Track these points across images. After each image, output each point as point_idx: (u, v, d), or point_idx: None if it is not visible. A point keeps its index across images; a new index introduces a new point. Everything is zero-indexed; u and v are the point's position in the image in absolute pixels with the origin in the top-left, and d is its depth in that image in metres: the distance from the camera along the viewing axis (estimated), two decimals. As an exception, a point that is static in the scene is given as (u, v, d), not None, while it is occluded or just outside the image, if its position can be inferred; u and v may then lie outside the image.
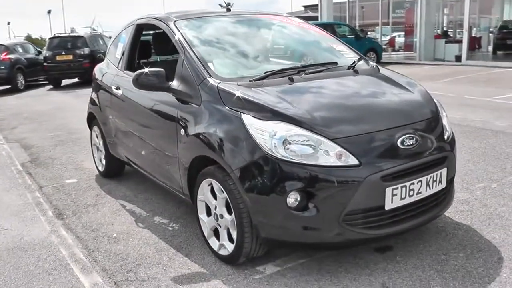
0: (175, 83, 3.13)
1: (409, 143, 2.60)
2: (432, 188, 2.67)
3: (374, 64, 3.51)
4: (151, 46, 4.35)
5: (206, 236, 3.00)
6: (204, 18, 3.72)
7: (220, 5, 4.07)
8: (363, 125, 2.62)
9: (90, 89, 4.96)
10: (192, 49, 3.17)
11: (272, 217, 2.53)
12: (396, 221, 2.59)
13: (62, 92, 13.56)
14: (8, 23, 76.89)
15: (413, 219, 2.66)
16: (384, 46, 21.33)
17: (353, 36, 17.00)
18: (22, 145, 6.57)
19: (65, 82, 15.75)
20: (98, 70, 4.78)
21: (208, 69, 3.02)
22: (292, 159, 2.45)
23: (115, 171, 4.74)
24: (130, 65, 4.14)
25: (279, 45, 3.99)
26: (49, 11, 58.94)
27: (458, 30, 20.15)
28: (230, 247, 2.77)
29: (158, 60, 4.68)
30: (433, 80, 11.42)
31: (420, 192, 2.61)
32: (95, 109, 4.70)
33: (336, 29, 17.24)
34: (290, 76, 2.97)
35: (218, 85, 2.86)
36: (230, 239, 2.78)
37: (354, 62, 3.35)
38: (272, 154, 2.47)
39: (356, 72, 3.22)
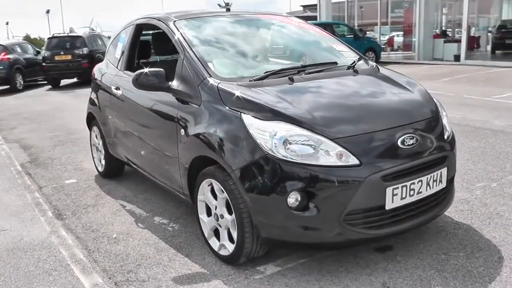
0: (175, 83, 3.13)
1: (409, 143, 2.60)
2: (433, 187, 2.68)
3: (374, 64, 3.51)
4: (151, 46, 4.36)
5: (206, 236, 3.00)
6: (204, 18, 3.72)
7: (219, 5, 4.06)
8: (363, 125, 2.62)
9: (89, 89, 4.96)
10: (192, 49, 3.17)
11: (272, 217, 2.53)
12: (397, 220, 2.60)
13: (61, 92, 13.55)
14: (7, 23, 76.62)
15: (414, 219, 2.66)
16: (383, 46, 21.35)
17: (352, 36, 17.01)
18: (21, 146, 6.56)
19: (64, 82, 15.74)
20: (98, 70, 4.78)
21: (208, 69, 3.01)
22: (292, 159, 2.45)
23: (114, 171, 4.74)
24: (130, 65, 4.13)
25: (279, 45, 3.99)
26: (47, 11, 58.90)
27: (456, 30, 20.18)
28: (230, 247, 2.77)
29: (158, 60, 4.67)
30: (432, 80, 11.43)
31: (421, 192, 2.61)
32: (94, 109, 4.70)
33: (335, 29, 17.25)
34: (290, 76, 2.97)
35: (218, 85, 2.86)
36: (231, 239, 2.78)
37: (354, 62, 3.35)
38: (273, 154, 2.47)
39: (356, 72, 3.22)
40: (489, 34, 19.19)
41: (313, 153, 2.46)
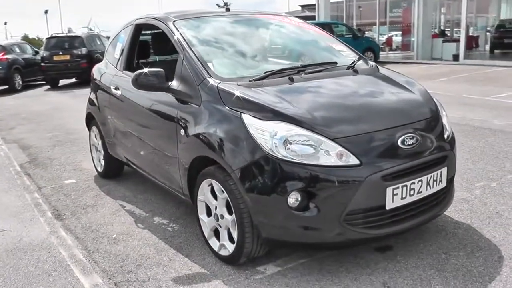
0: (174, 83, 3.12)
1: (409, 143, 2.60)
2: (433, 187, 2.68)
3: (374, 63, 3.51)
4: (150, 46, 4.35)
5: (206, 236, 3.00)
6: (203, 18, 3.71)
7: (218, 5, 4.06)
8: (363, 124, 2.62)
9: (88, 89, 4.95)
10: (191, 49, 3.17)
11: (273, 217, 2.53)
12: (397, 220, 2.60)
13: (59, 92, 13.53)
14: (5, 23, 76.52)
15: (414, 219, 2.66)
16: (381, 46, 21.36)
17: (350, 36, 17.01)
18: (20, 146, 6.55)
19: (62, 82, 15.72)
20: (97, 70, 4.77)
21: (207, 69, 3.01)
22: (292, 159, 2.45)
23: (114, 171, 4.73)
24: (129, 65, 4.13)
25: (279, 45, 3.98)
26: (46, 11, 58.80)
27: (455, 29, 20.19)
28: (230, 248, 2.77)
29: (157, 60, 4.67)
30: (431, 79, 11.44)
31: (421, 192, 2.62)
32: (93, 110, 4.69)
33: (334, 29, 17.26)
34: (290, 76, 2.97)
35: (218, 85, 2.86)
36: (231, 239, 2.78)
37: (354, 61, 3.35)
38: (273, 154, 2.47)
39: (355, 72, 3.22)
40: (487, 33, 19.22)
41: (314, 153, 2.46)
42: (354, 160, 2.46)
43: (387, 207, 2.51)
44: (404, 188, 2.54)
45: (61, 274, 2.87)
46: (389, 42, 24.09)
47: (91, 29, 35.75)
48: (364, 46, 16.73)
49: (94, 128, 4.82)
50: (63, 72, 14.82)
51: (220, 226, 2.85)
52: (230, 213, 2.71)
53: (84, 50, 14.80)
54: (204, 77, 2.96)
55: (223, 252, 2.85)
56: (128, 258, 3.04)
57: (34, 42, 39.32)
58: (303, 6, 43.81)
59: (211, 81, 2.91)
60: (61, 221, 3.73)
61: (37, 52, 16.24)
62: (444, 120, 2.98)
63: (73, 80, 16.00)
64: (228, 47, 3.45)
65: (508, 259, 2.73)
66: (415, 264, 2.73)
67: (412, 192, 2.57)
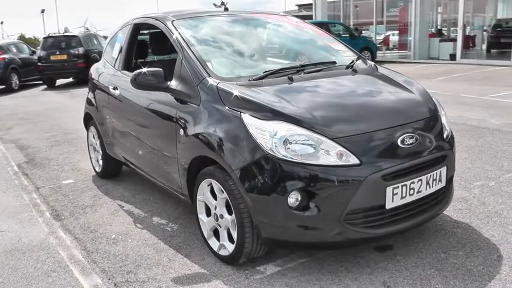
0: (173, 83, 3.12)
1: (409, 142, 2.61)
2: (432, 186, 2.68)
3: (372, 63, 3.51)
4: (148, 46, 4.34)
5: (206, 236, 2.99)
6: (202, 17, 3.71)
7: (215, 4, 4.06)
8: (363, 124, 2.62)
9: (85, 89, 4.94)
10: (190, 49, 3.16)
11: (273, 217, 2.53)
12: (397, 220, 2.60)
13: (56, 92, 13.49)
14: (1, 23, 76.18)
15: (414, 218, 2.66)
16: (378, 45, 21.36)
17: (347, 35, 17.01)
18: (18, 146, 6.52)
19: (59, 82, 15.67)
20: (95, 70, 4.76)
21: (207, 68, 3.01)
22: (292, 158, 2.45)
23: (112, 171, 4.72)
24: (127, 65, 4.12)
25: (278, 44, 3.98)
26: (42, 11, 58.64)
27: (452, 29, 20.22)
28: (230, 248, 2.77)
29: (155, 59, 4.66)
30: (428, 79, 11.46)
31: (420, 191, 2.62)
32: (91, 109, 4.68)
33: (331, 28, 17.24)
34: (289, 76, 2.97)
35: (218, 85, 2.85)
36: (230, 239, 2.77)
37: (353, 61, 3.35)
38: (273, 154, 2.46)
39: (354, 71, 3.22)
40: (484, 33, 19.24)
41: (313, 152, 2.46)
42: (354, 160, 2.46)
43: (387, 207, 2.51)
44: (404, 188, 2.54)
45: (60, 274, 2.86)
46: (386, 41, 24.09)
47: (87, 29, 35.69)
48: (361, 46, 16.72)
49: (92, 128, 4.80)
50: (60, 72, 14.78)
51: (220, 226, 2.84)
52: (229, 213, 2.71)
53: (81, 50, 14.76)
54: (203, 77, 2.95)
55: (222, 252, 2.85)
56: (128, 258, 3.03)
57: (30, 42, 39.21)
58: (300, 6, 43.80)
59: (211, 80, 2.91)
60: (59, 221, 3.72)
61: (34, 52, 16.18)
62: (443, 120, 2.99)
63: (70, 80, 15.95)
64: (227, 46, 3.45)
65: (507, 258, 2.74)
66: (414, 263, 2.73)
67: (412, 191, 2.58)
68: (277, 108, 2.61)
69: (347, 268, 2.71)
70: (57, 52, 14.65)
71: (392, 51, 22.86)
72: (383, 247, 2.92)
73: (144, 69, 3.09)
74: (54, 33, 17.03)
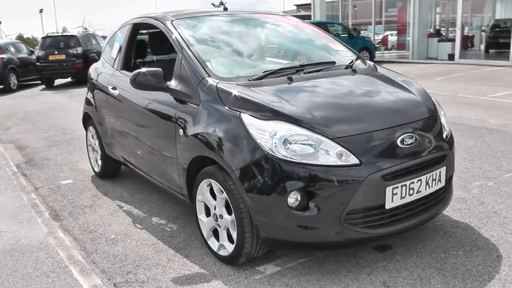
0: (173, 83, 3.11)
1: (408, 142, 2.61)
2: (432, 186, 2.68)
3: (372, 63, 3.52)
4: (147, 46, 4.33)
5: (205, 236, 2.99)
6: (201, 17, 3.70)
7: (213, 4, 4.06)
8: (362, 124, 2.62)
9: (84, 89, 4.94)
10: (190, 49, 3.16)
11: (272, 217, 2.53)
12: (396, 220, 2.60)
13: (55, 92, 13.46)
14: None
15: (413, 218, 2.67)
16: (377, 45, 21.39)
17: (346, 35, 17.03)
18: (16, 146, 6.51)
19: (58, 82, 15.65)
20: (94, 70, 4.75)
21: (206, 68, 3.00)
22: (292, 158, 2.45)
23: (111, 171, 4.71)
24: (126, 65, 4.11)
25: (277, 44, 3.98)
26: (41, 10, 58.49)
27: (450, 29, 20.24)
28: (230, 248, 2.77)
29: (155, 59, 4.65)
30: (427, 79, 11.47)
31: (420, 191, 2.62)
32: (90, 109, 4.67)
33: (329, 28, 17.25)
34: (289, 76, 2.97)
35: (217, 85, 2.85)
36: (230, 239, 2.77)
37: (352, 61, 3.36)
38: (273, 154, 2.46)
39: (354, 71, 3.22)
40: (482, 33, 19.28)
41: (313, 152, 2.46)
42: (354, 160, 2.46)
43: (387, 207, 2.51)
44: (404, 188, 2.54)
45: (59, 275, 2.85)
46: (384, 41, 24.12)
47: (86, 29, 35.65)
48: (360, 46, 16.73)
49: (91, 128, 4.80)
50: (59, 71, 14.75)
51: (220, 226, 2.84)
52: (229, 213, 2.71)
53: (79, 50, 14.74)
54: (203, 77, 2.95)
55: (222, 252, 2.85)
56: (127, 258, 3.02)
57: (29, 42, 39.14)
58: (298, 6, 43.83)
59: (210, 80, 2.90)
60: (58, 221, 3.71)
61: (32, 52, 16.16)
62: (443, 120, 2.99)
63: (69, 79, 15.93)
64: (227, 46, 3.45)
65: (506, 257, 2.74)
66: (414, 263, 2.73)
67: (411, 191, 2.58)
68: (276, 108, 2.61)
69: (347, 268, 2.71)
70: (56, 52, 14.63)
71: (391, 51, 22.89)
72: (382, 247, 2.92)
73: (144, 69, 3.08)
74: (53, 33, 17.04)
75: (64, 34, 17.22)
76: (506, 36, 15.32)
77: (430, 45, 17.93)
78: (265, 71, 2.99)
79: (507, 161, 4.52)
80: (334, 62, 3.34)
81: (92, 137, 4.78)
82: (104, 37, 15.44)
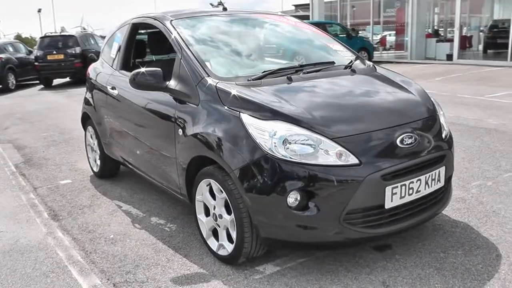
0: (172, 83, 3.11)
1: (408, 142, 2.61)
2: (431, 186, 2.69)
3: (371, 63, 3.52)
4: (146, 46, 4.33)
5: (204, 236, 2.99)
6: (201, 17, 3.70)
7: (212, 4, 4.05)
8: (362, 124, 2.62)
9: (82, 89, 4.93)
10: (189, 49, 3.16)
11: (272, 217, 2.53)
12: (396, 219, 2.60)
13: (53, 92, 13.44)
14: (-3, 22, 75.89)
15: (413, 218, 2.67)
16: (375, 45, 21.41)
17: (344, 35, 17.04)
18: (15, 146, 6.50)
19: (56, 81, 15.63)
20: (93, 70, 4.74)
21: (206, 68, 3.00)
22: (292, 158, 2.45)
23: (110, 171, 4.71)
24: (126, 65, 4.11)
25: (276, 44, 3.98)
26: (39, 10, 58.32)
27: (448, 29, 20.28)
28: (229, 247, 2.77)
29: (154, 59, 4.65)
30: (425, 79, 11.49)
31: (419, 191, 2.62)
32: (89, 109, 4.66)
33: (328, 29, 17.26)
34: (288, 76, 2.97)
35: (217, 85, 2.85)
36: (229, 239, 2.77)
37: (351, 61, 3.36)
38: (272, 153, 2.46)
39: (353, 72, 3.23)
40: (481, 33, 19.31)
41: (313, 152, 2.46)
42: (353, 160, 2.46)
43: (386, 206, 2.51)
44: (403, 187, 2.54)
45: (59, 275, 2.85)
46: (383, 41, 24.14)
47: (84, 28, 35.60)
48: (358, 46, 16.75)
49: (90, 128, 4.79)
50: (57, 71, 14.72)
51: (219, 226, 2.84)
52: (229, 213, 2.70)
53: (78, 50, 14.72)
54: (202, 77, 2.95)
55: (222, 252, 2.85)
56: (126, 258, 3.02)
57: (27, 41, 39.05)
58: (296, 6, 43.85)
59: (210, 80, 2.90)
60: (57, 221, 3.71)
61: (30, 52, 16.14)
62: (442, 120, 2.99)
63: (67, 79, 15.91)
64: (226, 46, 3.45)
65: (505, 257, 2.75)
66: (414, 263, 2.73)
67: (411, 191, 2.58)
68: (276, 108, 2.61)
69: (347, 268, 2.71)
70: (54, 52, 14.60)
71: (389, 52, 22.90)
72: (382, 246, 2.93)
73: (143, 69, 3.08)
74: (51, 33, 16.98)
75: (62, 34, 17.18)
76: (504, 36, 15.36)
77: (429, 45, 17.96)
78: (265, 71, 2.99)
79: (506, 160, 4.52)
80: (333, 62, 3.34)
81: (91, 137, 4.78)
82: (103, 37, 15.47)
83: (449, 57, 16.13)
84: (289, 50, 3.94)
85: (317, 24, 15.26)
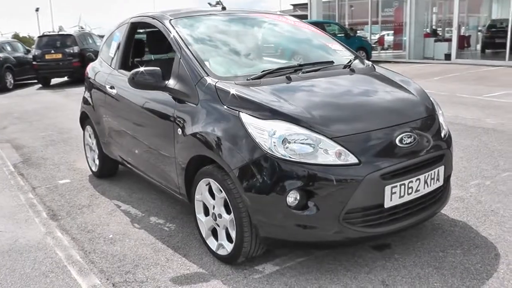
0: (171, 82, 3.11)
1: (407, 142, 2.61)
2: (430, 186, 2.69)
3: (370, 62, 3.52)
4: (145, 45, 4.33)
5: (204, 236, 2.99)
6: (200, 16, 3.70)
7: (210, 3, 4.05)
8: (361, 123, 2.62)
9: (80, 88, 4.93)
10: (188, 48, 3.15)
11: (271, 216, 2.53)
12: (395, 219, 2.61)
13: (51, 91, 13.42)
14: (-5, 22, 75.68)
15: (412, 217, 2.67)
16: (373, 45, 21.43)
17: (342, 35, 17.05)
18: (13, 146, 6.49)
19: (54, 81, 15.60)
20: (91, 69, 4.74)
21: (205, 67, 3.00)
22: (291, 158, 2.45)
23: (108, 171, 4.70)
24: (124, 64, 4.10)
25: (276, 44, 3.98)
26: (37, 9, 58.21)
27: (447, 29, 20.31)
28: (229, 247, 2.77)
29: (153, 58, 4.65)
30: (424, 79, 11.50)
31: (419, 190, 2.63)
32: (88, 109, 4.66)
33: (326, 28, 17.27)
34: (287, 75, 2.97)
35: (216, 84, 2.85)
36: (229, 238, 2.77)
37: (350, 61, 3.36)
38: (272, 153, 2.46)
39: (352, 71, 3.23)
40: (479, 33, 19.34)
41: (312, 152, 2.46)
42: (352, 159, 2.46)
43: (386, 206, 2.52)
44: (402, 187, 2.55)
45: (58, 275, 2.84)
46: (381, 41, 24.16)
47: (82, 28, 35.54)
48: (356, 46, 16.74)
49: (88, 128, 4.79)
50: (55, 71, 14.69)
51: (218, 226, 2.84)
52: (228, 212, 2.70)
53: (76, 49, 14.69)
54: (201, 76, 2.95)
55: (221, 252, 2.85)
56: (126, 258, 3.02)
57: (25, 41, 38.96)
58: (295, 5, 43.88)
59: (209, 80, 2.90)
60: (56, 221, 3.70)
61: (28, 51, 16.09)
62: (441, 119, 3.00)
63: (65, 79, 15.88)
64: (225, 46, 3.45)
65: (504, 256, 2.75)
66: (413, 262, 2.74)
67: (410, 190, 2.58)
68: (275, 108, 2.61)
69: (346, 267, 2.71)
70: (52, 51, 14.57)
71: (387, 51, 22.92)
72: (381, 246, 2.93)
73: (142, 68, 3.08)
74: (49, 32, 16.93)
75: (60, 33, 17.14)
76: (502, 36, 15.39)
77: (427, 45, 17.99)
78: (264, 71, 2.99)
79: (504, 160, 4.53)
80: (332, 62, 3.34)
81: (90, 137, 4.77)
82: (101, 36, 15.43)
83: (447, 56, 16.16)
84: (288, 49, 3.94)
85: (315, 24, 15.25)
